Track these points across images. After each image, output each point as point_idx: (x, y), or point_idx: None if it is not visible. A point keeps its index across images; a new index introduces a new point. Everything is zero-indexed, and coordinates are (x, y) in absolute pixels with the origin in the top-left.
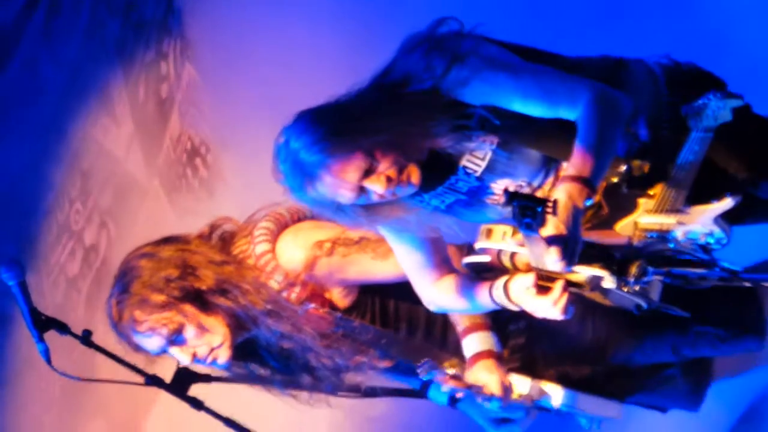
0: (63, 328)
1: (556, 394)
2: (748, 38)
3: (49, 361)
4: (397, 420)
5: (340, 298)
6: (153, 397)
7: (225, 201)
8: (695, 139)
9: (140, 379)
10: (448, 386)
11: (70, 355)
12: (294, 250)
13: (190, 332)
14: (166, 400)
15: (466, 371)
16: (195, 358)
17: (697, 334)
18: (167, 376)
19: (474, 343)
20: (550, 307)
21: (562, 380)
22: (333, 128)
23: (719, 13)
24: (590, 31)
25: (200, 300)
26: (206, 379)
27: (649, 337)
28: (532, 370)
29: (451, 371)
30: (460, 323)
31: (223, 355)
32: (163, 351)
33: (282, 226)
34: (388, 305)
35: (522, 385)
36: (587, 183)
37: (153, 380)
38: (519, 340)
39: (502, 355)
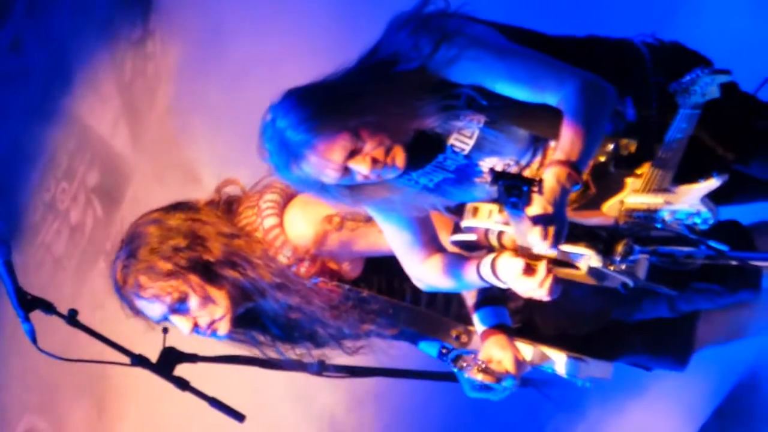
0: (49, 308)
1: (558, 361)
2: (730, 15)
3: (34, 340)
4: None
5: (348, 270)
6: (139, 377)
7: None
8: (683, 116)
9: (126, 359)
10: (478, 378)
11: (55, 335)
12: (303, 224)
13: (193, 302)
14: (152, 380)
15: (481, 346)
16: (195, 327)
17: (695, 290)
18: (153, 356)
19: (485, 317)
20: (536, 288)
21: (561, 340)
22: (320, 108)
23: None
24: (576, 11)
25: (206, 270)
26: (192, 358)
27: (647, 295)
28: (532, 331)
29: (479, 367)
30: (470, 297)
31: (224, 327)
32: (164, 318)
33: (288, 197)
34: (393, 277)
35: (524, 351)
36: (574, 167)
37: (139, 360)
38: (518, 302)
39: (513, 328)
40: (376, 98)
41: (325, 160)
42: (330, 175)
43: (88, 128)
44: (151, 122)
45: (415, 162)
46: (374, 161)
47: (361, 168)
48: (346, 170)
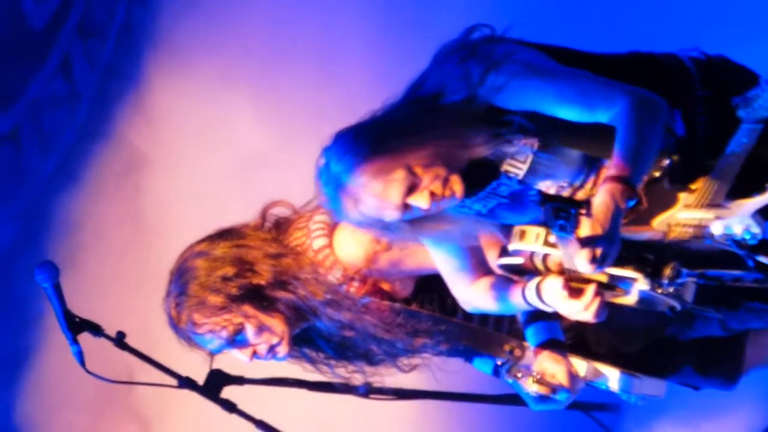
0: (97, 330)
1: (612, 377)
2: None
3: (82, 363)
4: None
5: (399, 289)
6: (187, 400)
7: None
8: (745, 130)
9: (173, 381)
10: (533, 390)
11: (105, 357)
12: (353, 245)
13: (250, 332)
14: (200, 402)
15: (534, 361)
16: (255, 355)
17: (747, 309)
18: (200, 378)
19: (538, 332)
20: (581, 311)
21: (613, 357)
22: (372, 148)
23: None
24: (617, 27)
25: (259, 296)
26: (239, 381)
27: (699, 314)
28: (584, 348)
29: (534, 378)
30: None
31: (282, 351)
32: (222, 350)
33: None
34: (445, 294)
35: (577, 366)
36: (629, 183)
37: (186, 383)
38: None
39: (565, 343)
40: (428, 133)
41: (385, 201)
42: (391, 215)
43: (135, 149)
44: None
45: (470, 189)
46: (432, 194)
47: (420, 203)
48: (406, 207)
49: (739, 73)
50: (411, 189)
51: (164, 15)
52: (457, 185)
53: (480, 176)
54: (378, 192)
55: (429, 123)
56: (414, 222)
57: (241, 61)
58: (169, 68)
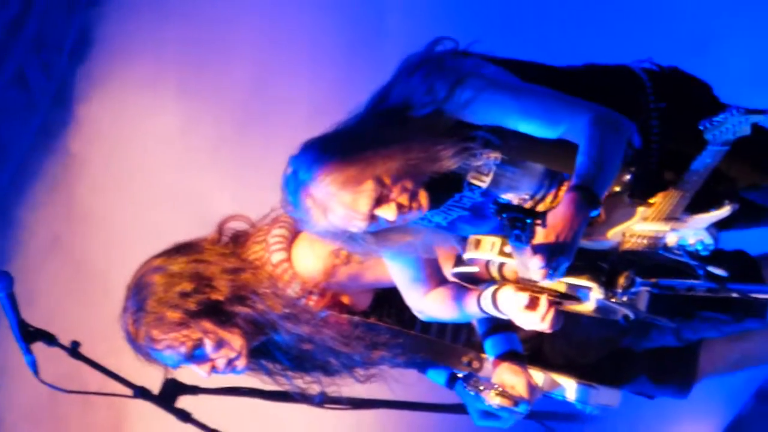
0: (51, 340)
1: (568, 387)
2: (727, 41)
3: (36, 372)
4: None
5: (357, 302)
6: (141, 409)
7: None
8: (710, 152)
9: (128, 391)
10: (496, 402)
11: (58, 366)
12: (311, 258)
13: (208, 347)
14: (154, 411)
15: (492, 373)
16: (213, 369)
17: (701, 319)
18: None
19: (497, 343)
20: (537, 321)
21: (569, 368)
22: (343, 158)
23: (700, 15)
24: (573, 39)
25: (217, 311)
26: (194, 390)
27: (654, 324)
28: (541, 359)
29: (496, 391)
30: (481, 323)
31: (241, 364)
32: (180, 365)
33: (296, 231)
34: (403, 307)
35: (535, 377)
36: (592, 192)
37: (141, 392)
38: (527, 330)
39: (524, 355)
40: (398, 145)
41: (353, 211)
42: (358, 225)
43: (88, 161)
44: None
45: (434, 201)
46: (400, 207)
47: (388, 215)
48: (373, 218)
49: (692, 84)
50: (379, 200)
51: (113, 24)
52: (423, 198)
53: (444, 189)
54: (347, 202)
55: (399, 136)
56: (378, 234)
57: (188, 69)
58: (111, 77)
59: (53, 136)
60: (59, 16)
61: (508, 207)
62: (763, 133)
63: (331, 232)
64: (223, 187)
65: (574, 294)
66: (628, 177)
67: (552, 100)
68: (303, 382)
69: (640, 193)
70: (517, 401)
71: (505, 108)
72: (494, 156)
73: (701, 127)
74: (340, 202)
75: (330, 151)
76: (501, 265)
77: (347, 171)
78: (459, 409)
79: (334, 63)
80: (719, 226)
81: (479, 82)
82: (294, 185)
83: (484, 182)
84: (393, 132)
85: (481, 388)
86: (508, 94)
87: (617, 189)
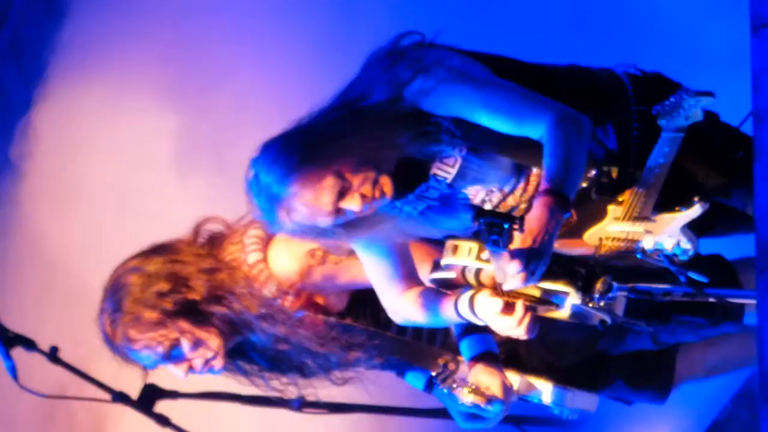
0: (30, 345)
1: (544, 390)
2: (718, 49)
3: (16, 378)
4: None
5: (333, 303)
6: (120, 414)
7: None
8: (665, 139)
9: (107, 395)
10: (468, 400)
11: (38, 371)
12: (287, 259)
13: (185, 347)
14: (134, 416)
15: (468, 374)
16: (190, 369)
17: (678, 323)
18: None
19: (473, 345)
20: (514, 327)
21: (546, 371)
22: (301, 157)
23: (688, 22)
24: (560, 40)
25: (194, 311)
26: (173, 395)
27: (630, 328)
28: (517, 362)
29: (469, 388)
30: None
31: (218, 364)
32: (158, 365)
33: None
34: (379, 309)
35: (511, 380)
36: (563, 195)
37: (120, 397)
38: None
39: (499, 356)
40: (354, 136)
41: (317, 208)
42: (324, 221)
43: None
44: None
45: (400, 191)
46: (363, 197)
47: (352, 206)
48: (338, 211)
49: (674, 88)
50: (342, 193)
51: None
52: (386, 185)
53: (409, 178)
54: (309, 200)
55: (355, 126)
56: (348, 224)
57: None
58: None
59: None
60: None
61: (485, 212)
62: (722, 130)
63: (301, 229)
64: (188, 195)
65: (550, 300)
66: (593, 172)
67: (516, 95)
68: (279, 384)
69: (608, 190)
70: (490, 400)
71: (467, 99)
72: (459, 147)
73: (654, 113)
74: (303, 201)
75: (289, 150)
76: (478, 271)
77: (307, 169)
78: (435, 413)
79: (303, 61)
80: (697, 231)
81: (442, 72)
82: (257, 189)
83: (450, 173)
84: (350, 123)
85: (455, 386)
86: (472, 86)
87: (584, 185)
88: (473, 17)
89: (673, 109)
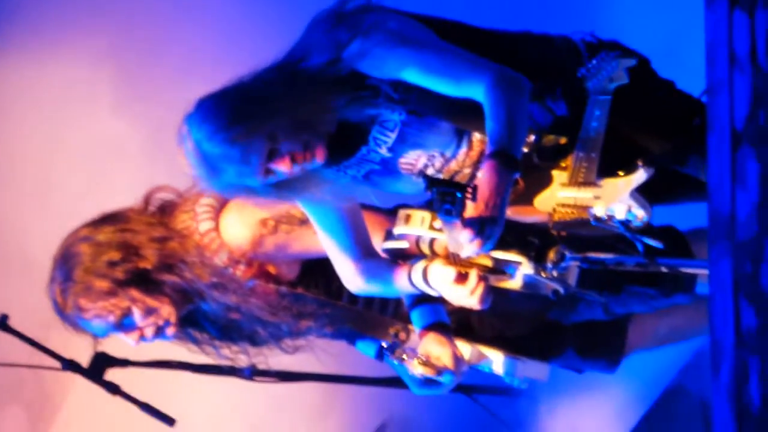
0: None
1: (496, 360)
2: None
3: None
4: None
5: (285, 272)
6: (70, 382)
7: None
8: (594, 102)
9: (57, 363)
10: (419, 372)
11: None
12: (238, 228)
13: (137, 316)
14: (84, 384)
15: (419, 345)
16: (141, 338)
17: (629, 293)
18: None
19: (423, 315)
20: (467, 296)
21: (498, 340)
22: (232, 116)
23: None
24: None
25: (145, 280)
26: (123, 363)
27: (582, 298)
28: (469, 331)
29: (420, 360)
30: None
31: (170, 332)
32: (109, 334)
33: (224, 201)
34: (331, 279)
35: (462, 350)
36: (509, 155)
37: (70, 365)
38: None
39: (450, 326)
40: (286, 98)
41: (244, 167)
42: (251, 181)
43: None
44: None
45: (339, 155)
46: (293, 158)
47: (281, 168)
48: (268, 171)
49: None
50: (272, 154)
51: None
52: (319, 150)
53: (349, 142)
54: (237, 159)
55: (289, 88)
56: (280, 185)
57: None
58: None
59: None
60: None
61: (437, 181)
62: (675, 96)
63: (230, 187)
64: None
65: (502, 269)
66: (533, 138)
67: (454, 56)
68: (230, 352)
69: (548, 155)
70: (440, 371)
71: (404, 61)
72: (398, 111)
73: (579, 76)
74: (231, 159)
75: (221, 108)
76: (432, 241)
77: (237, 129)
78: (387, 382)
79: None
80: (652, 198)
81: (380, 34)
82: (188, 145)
83: (390, 138)
84: (283, 85)
85: (405, 357)
86: (409, 47)
87: (525, 150)
88: None
89: (597, 71)
